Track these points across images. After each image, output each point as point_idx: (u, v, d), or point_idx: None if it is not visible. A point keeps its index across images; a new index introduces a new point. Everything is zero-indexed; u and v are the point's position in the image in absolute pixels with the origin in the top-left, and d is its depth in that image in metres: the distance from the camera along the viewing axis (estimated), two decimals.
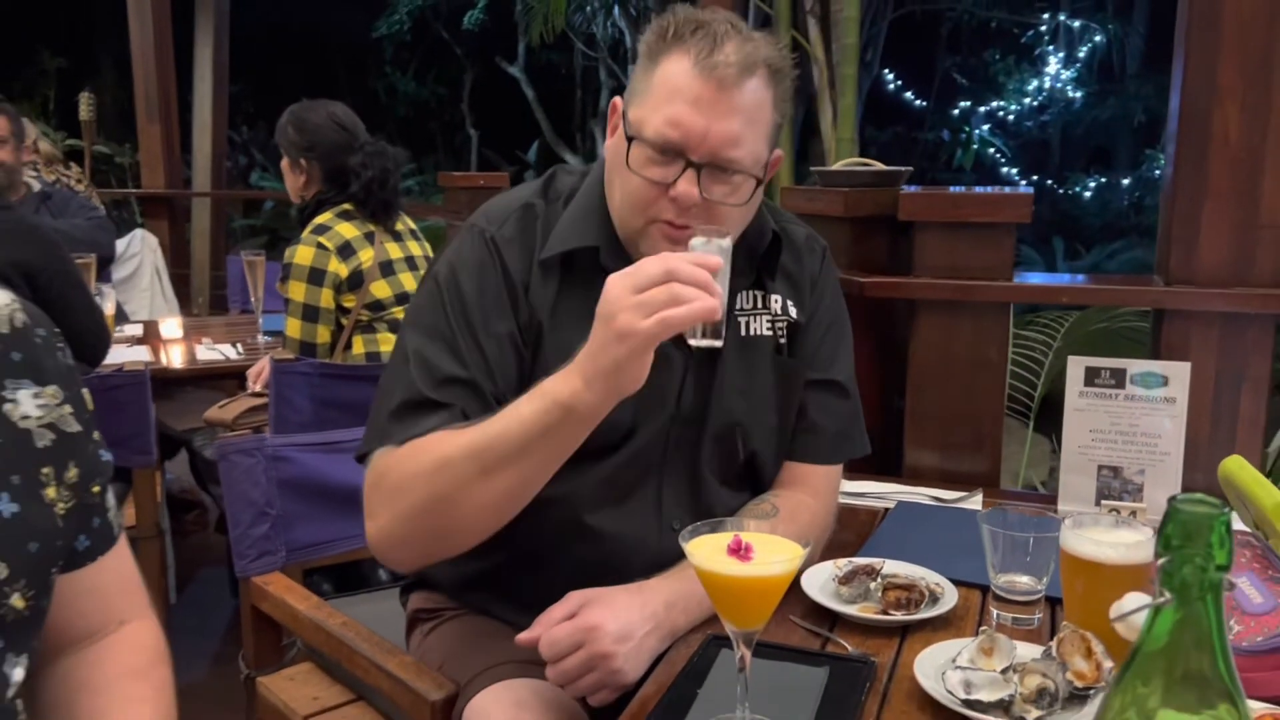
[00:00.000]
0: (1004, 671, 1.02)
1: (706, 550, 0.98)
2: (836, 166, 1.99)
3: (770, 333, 1.39)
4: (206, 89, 6.50)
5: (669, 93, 1.17)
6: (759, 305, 1.39)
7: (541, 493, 1.18)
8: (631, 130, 1.21)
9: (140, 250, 5.22)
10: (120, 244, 5.02)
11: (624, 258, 1.25)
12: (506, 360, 1.25)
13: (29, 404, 0.87)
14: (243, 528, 1.67)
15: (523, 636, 1.16)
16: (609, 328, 1.02)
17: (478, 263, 1.27)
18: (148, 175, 6.17)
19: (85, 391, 0.94)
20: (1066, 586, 1.18)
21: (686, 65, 1.17)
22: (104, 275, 4.13)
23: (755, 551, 0.97)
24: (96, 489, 0.95)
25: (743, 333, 1.37)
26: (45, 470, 0.87)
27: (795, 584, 1.30)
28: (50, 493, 0.87)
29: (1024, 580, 1.24)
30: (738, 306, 1.36)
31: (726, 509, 1.36)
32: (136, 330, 3.43)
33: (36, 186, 3.99)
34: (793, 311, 1.40)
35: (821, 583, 1.32)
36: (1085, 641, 1.03)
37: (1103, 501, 1.68)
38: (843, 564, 1.34)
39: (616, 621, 1.13)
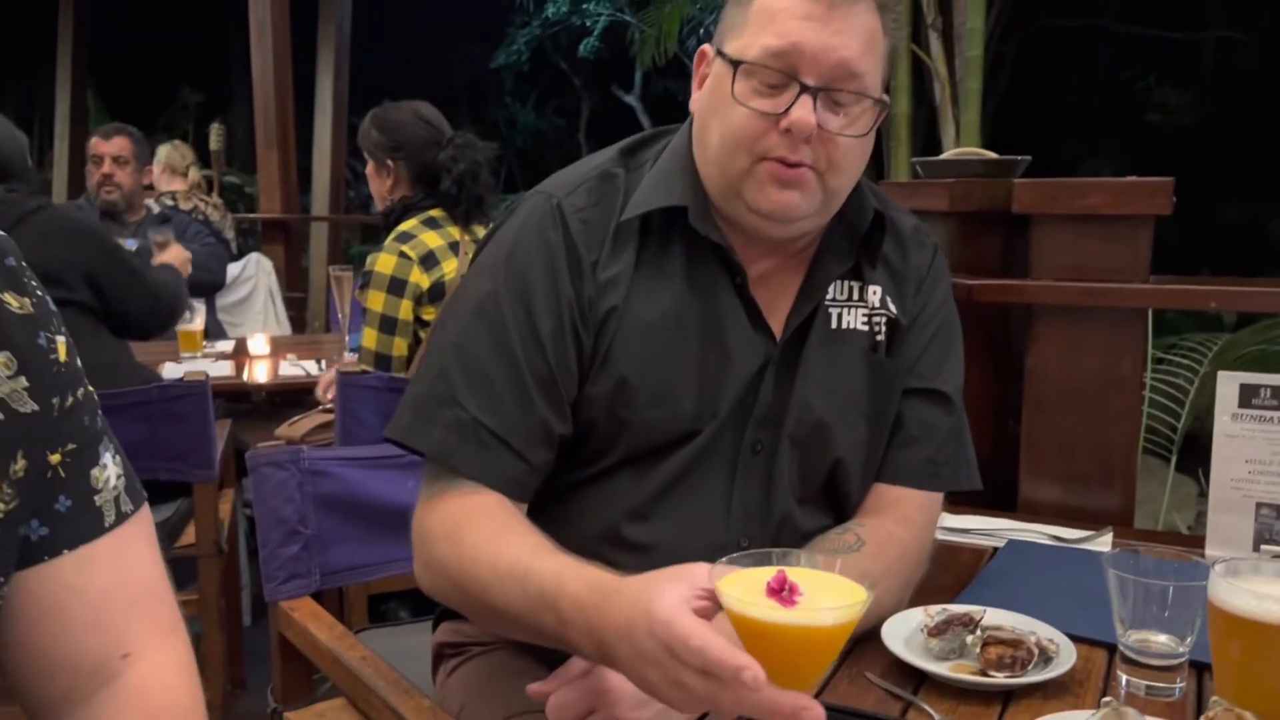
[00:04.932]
0: None
1: (741, 588, 0.78)
2: (943, 156, 1.77)
3: (866, 327, 1.21)
4: (326, 118, 6.69)
5: (774, 13, 1.07)
6: (855, 297, 1.21)
7: (584, 501, 1.14)
8: (734, 57, 1.08)
9: (255, 274, 5.31)
10: (235, 267, 5.13)
11: (713, 220, 1.13)
12: (564, 342, 1.10)
13: None
14: (272, 547, 1.54)
15: (535, 688, 0.98)
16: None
17: (539, 231, 1.12)
18: (265, 200, 6.33)
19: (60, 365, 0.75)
20: (1218, 650, 0.95)
21: None
22: (211, 299, 4.19)
23: (802, 593, 0.76)
24: (58, 459, 0.73)
25: (833, 325, 1.19)
26: None
27: (873, 635, 1.10)
28: None
29: (1161, 640, 1.02)
30: (830, 297, 1.19)
31: (800, 531, 1.17)
32: (227, 346, 3.42)
33: (156, 209, 4.07)
34: (892, 308, 1.22)
35: (907, 634, 1.11)
36: None
37: (1263, 547, 1.41)
38: (935, 611, 1.13)
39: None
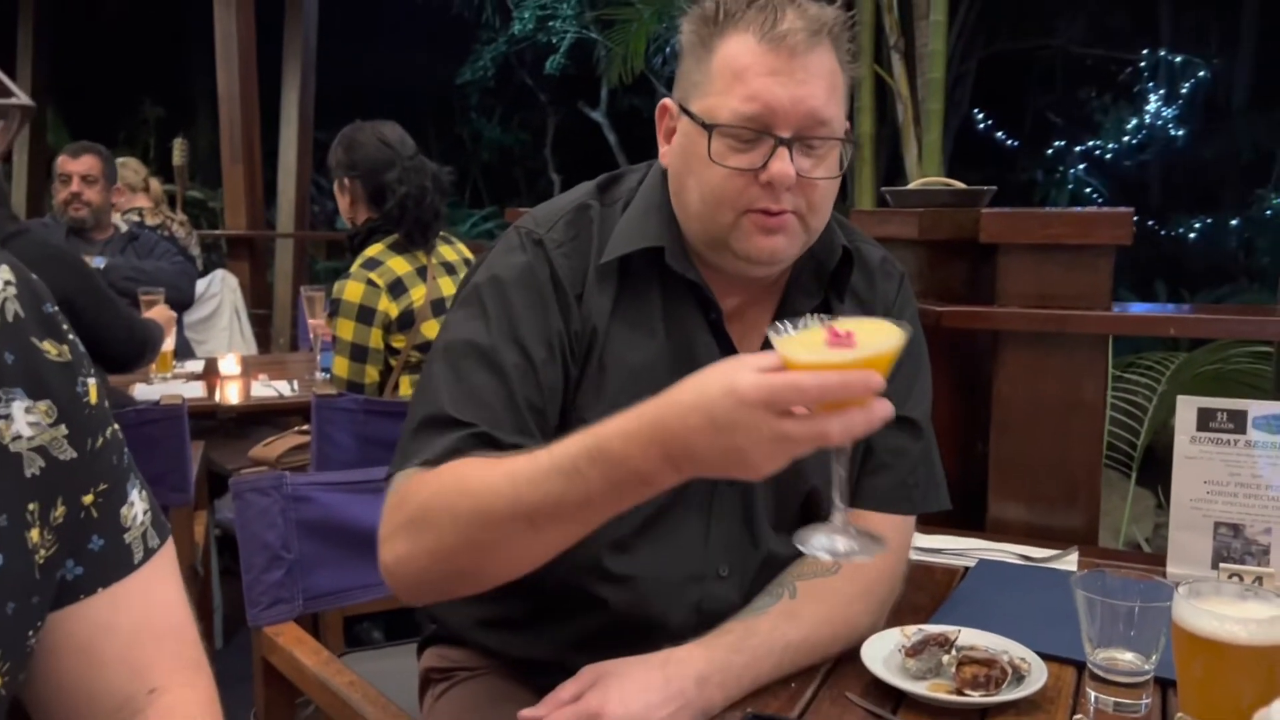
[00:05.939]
0: None
1: (802, 348, 0.87)
2: (912, 185, 1.82)
3: None
4: (292, 133, 6.64)
5: (738, 72, 1.07)
6: None
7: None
8: (706, 120, 1.09)
9: (220, 290, 5.28)
10: (201, 284, 5.09)
11: (689, 260, 1.16)
12: (555, 369, 1.12)
13: (21, 421, 0.70)
14: (255, 573, 1.55)
15: (527, 714, 1.01)
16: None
17: (524, 266, 1.15)
18: (230, 216, 6.29)
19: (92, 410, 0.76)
20: (1182, 668, 0.99)
21: (751, 42, 1.07)
22: (179, 317, 4.16)
23: (856, 337, 0.86)
24: (90, 499, 0.74)
25: None
26: (31, 507, 0.70)
27: (853, 655, 1.13)
28: (34, 536, 0.69)
29: (1127, 658, 1.05)
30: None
31: (781, 557, 1.21)
32: (197, 367, 3.40)
33: (124, 228, 4.04)
34: None
35: (885, 654, 1.14)
36: None
37: (1221, 565, 1.46)
38: (911, 632, 1.17)
39: (627, 705, 0.98)
